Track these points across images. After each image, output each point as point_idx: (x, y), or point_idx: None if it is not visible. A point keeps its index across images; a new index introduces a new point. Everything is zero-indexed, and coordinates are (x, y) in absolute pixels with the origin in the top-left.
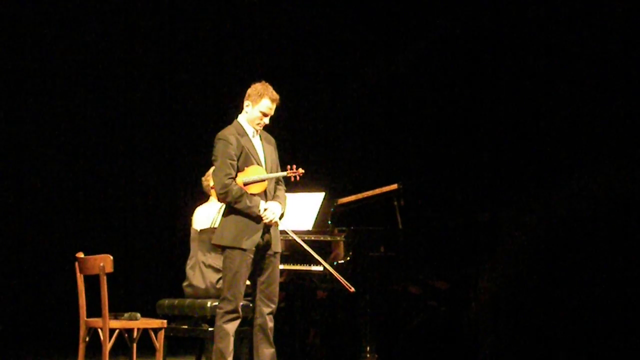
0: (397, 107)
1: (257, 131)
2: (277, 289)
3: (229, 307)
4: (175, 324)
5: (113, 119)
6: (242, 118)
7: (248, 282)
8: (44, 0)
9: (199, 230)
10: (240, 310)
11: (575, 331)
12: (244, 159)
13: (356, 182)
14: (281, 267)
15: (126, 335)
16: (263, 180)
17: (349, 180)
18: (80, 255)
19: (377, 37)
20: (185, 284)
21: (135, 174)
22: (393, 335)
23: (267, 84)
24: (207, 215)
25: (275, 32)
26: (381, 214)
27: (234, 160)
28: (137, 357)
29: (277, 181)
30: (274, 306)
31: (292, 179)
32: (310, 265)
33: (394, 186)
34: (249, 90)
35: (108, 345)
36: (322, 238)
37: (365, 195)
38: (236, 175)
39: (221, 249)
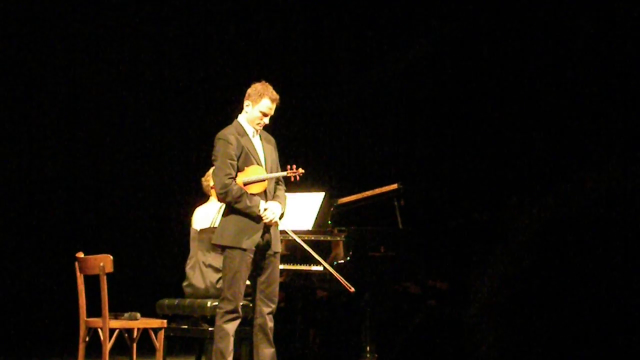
0: (397, 107)
1: (257, 131)
2: (277, 288)
3: (229, 307)
4: (175, 324)
5: (113, 118)
6: (242, 118)
7: (248, 282)
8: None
9: (198, 230)
10: (240, 310)
11: (575, 331)
12: (244, 158)
13: (356, 182)
14: (281, 267)
15: (126, 335)
16: (263, 180)
17: (349, 180)
18: (80, 255)
19: (377, 37)
20: (185, 283)
21: (135, 174)
22: (393, 335)
23: (267, 84)
24: (206, 215)
25: (276, 32)
26: (381, 214)
27: (234, 160)
28: (137, 357)
29: (277, 181)
30: (273, 306)
31: (292, 179)
32: (310, 265)
33: (394, 186)
34: (249, 90)
35: (108, 345)
36: (322, 238)
37: (365, 195)
38: (236, 175)
39: (221, 248)
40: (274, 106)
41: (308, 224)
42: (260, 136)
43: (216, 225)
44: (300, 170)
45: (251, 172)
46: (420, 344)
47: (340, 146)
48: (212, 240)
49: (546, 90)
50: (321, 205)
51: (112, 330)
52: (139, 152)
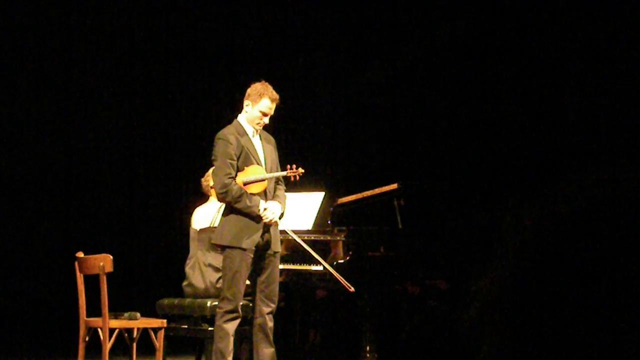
0: (397, 106)
1: (256, 131)
2: (277, 288)
3: (229, 307)
4: (175, 323)
5: (113, 118)
6: (241, 118)
7: (248, 282)
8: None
9: (198, 229)
10: (240, 309)
11: (576, 331)
12: (244, 158)
13: (356, 182)
14: (281, 267)
15: (126, 335)
16: (263, 180)
17: (349, 180)
18: (80, 255)
19: (377, 37)
20: (185, 283)
21: (135, 174)
22: (393, 335)
23: (266, 83)
24: (206, 215)
25: (276, 31)
26: (381, 214)
27: (233, 159)
28: (137, 356)
29: (277, 181)
30: (273, 306)
31: (292, 178)
32: (310, 265)
33: (394, 186)
34: (249, 90)
35: (108, 345)
36: (322, 238)
37: (365, 195)
38: (236, 175)
39: (221, 248)
40: (273, 106)
41: (308, 224)
42: (260, 136)
43: (216, 224)
44: (300, 170)
45: (251, 172)
46: (420, 344)
47: (340, 146)
48: (212, 240)
49: (546, 90)
50: (321, 205)
51: (112, 330)
52: (139, 152)
